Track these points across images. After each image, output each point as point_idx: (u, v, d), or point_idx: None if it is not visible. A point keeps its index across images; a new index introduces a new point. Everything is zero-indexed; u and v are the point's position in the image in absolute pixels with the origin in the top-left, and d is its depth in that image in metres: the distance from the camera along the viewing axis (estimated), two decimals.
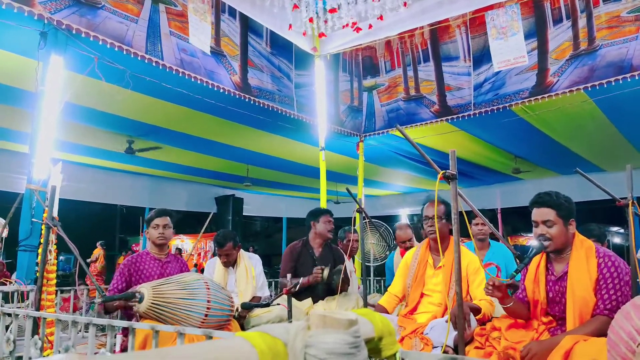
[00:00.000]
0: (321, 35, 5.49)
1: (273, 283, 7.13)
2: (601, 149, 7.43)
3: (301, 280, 3.51)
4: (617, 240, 15.43)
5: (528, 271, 2.46)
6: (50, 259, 3.13)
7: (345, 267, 3.75)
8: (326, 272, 3.65)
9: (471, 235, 3.71)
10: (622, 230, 14.61)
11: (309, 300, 3.83)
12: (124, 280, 3.17)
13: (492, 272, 3.87)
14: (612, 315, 2.05)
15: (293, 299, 3.17)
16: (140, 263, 3.27)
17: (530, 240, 14.71)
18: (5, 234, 4.58)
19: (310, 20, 5.08)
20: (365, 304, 3.55)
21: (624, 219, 2.59)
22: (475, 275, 2.91)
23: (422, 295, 2.99)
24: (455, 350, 2.36)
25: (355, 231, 4.88)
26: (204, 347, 0.57)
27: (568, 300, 2.24)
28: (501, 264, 4.02)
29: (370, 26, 5.30)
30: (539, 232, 2.31)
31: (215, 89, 4.68)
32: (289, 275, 3.18)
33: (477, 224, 4.02)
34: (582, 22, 4.85)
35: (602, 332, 2.02)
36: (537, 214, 2.33)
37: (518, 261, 3.60)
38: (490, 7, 5.23)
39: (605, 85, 4.66)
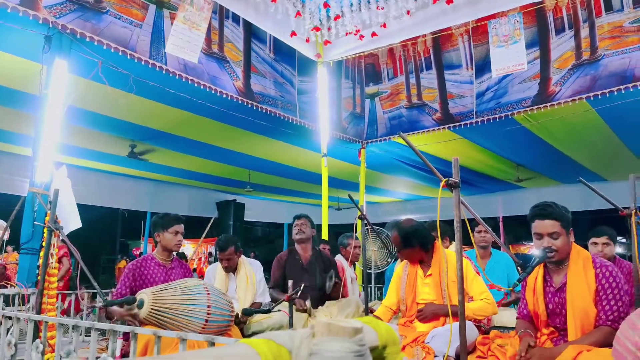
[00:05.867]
0: (326, 42, 5.51)
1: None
2: (604, 159, 7.41)
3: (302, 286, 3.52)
4: (619, 249, 15.38)
5: (527, 283, 2.44)
6: (52, 262, 3.13)
7: (334, 272, 3.98)
8: (308, 302, 3.77)
9: (474, 243, 3.72)
10: (624, 240, 14.56)
11: (309, 305, 3.83)
12: (128, 286, 3.12)
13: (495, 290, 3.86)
14: (614, 326, 2.04)
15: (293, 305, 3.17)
16: (145, 268, 3.23)
17: (531, 249, 14.66)
18: (6, 236, 4.58)
19: (317, 29, 5.08)
20: (367, 311, 3.54)
21: (626, 229, 2.59)
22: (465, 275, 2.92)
23: (417, 304, 3.02)
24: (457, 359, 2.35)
25: (356, 238, 4.87)
26: (208, 354, 0.56)
27: (568, 311, 2.22)
28: (503, 273, 4.02)
29: (374, 34, 5.31)
30: (544, 245, 2.26)
31: (218, 94, 4.69)
32: (290, 282, 3.18)
33: (479, 232, 4.03)
34: (584, 32, 4.86)
35: (604, 343, 2.00)
36: (541, 226, 2.28)
37: (520, 269, 3.60)
38: (493, 16, 5.24)
39: (607, 95, 4.66)
